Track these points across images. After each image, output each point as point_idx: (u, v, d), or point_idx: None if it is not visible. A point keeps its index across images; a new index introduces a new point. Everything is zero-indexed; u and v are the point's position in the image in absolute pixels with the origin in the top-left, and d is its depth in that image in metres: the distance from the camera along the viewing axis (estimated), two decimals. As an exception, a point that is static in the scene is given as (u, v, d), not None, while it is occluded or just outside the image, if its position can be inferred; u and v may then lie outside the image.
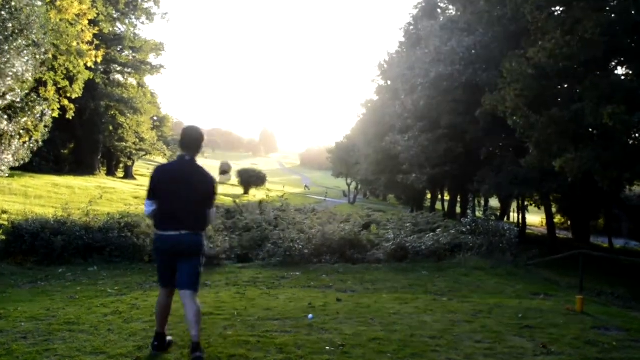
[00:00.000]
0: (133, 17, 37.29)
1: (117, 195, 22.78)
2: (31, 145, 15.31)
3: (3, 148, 13.54)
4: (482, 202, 36.45)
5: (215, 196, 4.37)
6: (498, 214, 33.32)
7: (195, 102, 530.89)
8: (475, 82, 20.97)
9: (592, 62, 13.43)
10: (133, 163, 43.24)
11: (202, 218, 4.27)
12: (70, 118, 21.12)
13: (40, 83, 17.90)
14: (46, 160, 29.13)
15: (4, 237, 10.11)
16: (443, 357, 4.28)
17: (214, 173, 4.61)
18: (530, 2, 13.88)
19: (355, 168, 51.84)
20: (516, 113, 14.69)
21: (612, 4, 12.92)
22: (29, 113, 14.80)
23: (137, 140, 38.28)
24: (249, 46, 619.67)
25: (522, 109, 14.50)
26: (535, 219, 47.25)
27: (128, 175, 42.19)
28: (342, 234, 11.29)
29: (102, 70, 32.84)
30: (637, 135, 13.41)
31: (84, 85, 21.82)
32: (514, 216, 42.35)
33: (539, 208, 35.51)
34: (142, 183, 37.93)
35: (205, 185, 4.27)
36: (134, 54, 37.89)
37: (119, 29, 36.55)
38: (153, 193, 4.23)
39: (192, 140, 4.29)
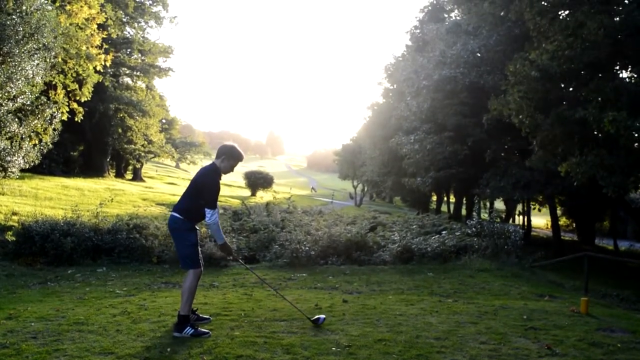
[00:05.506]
0: (142, 20, 37.48)
1: (125, 197, 22.88)
2: (41, 147, 15.46)
3: (14, 150, 13.68)
4: (488, 205, 36.38)
5: (204, 190, 4.90)
6: (503, 216, 33.29)
7: (203, 105, 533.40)
8: (479, 85, 20.95)
9: (595, 65, 13.36)
10: (142, 165, 43.32)
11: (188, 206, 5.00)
12: (80, 121, 21.23)
13: (50, 86, 18.04)
14: (56, 162, 29.23)
15: (14, 239, 10.24)
16: (448, 359, 4.31)
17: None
18: (531, 8, 13.86)
19: (361, 170, 51.84)
20: (521, 112, 14.65)
21: (616, 7, 12.87)
22: (39, 116, 14.95)
23: (146, 142, 38.28)
24: (256, 49, 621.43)
25: (526, 110, 14.47)
26: (541, 221, 47.01)
27: (137, 177, 42.29)
28: (349, 236, 11.33)
29: (111, 73, 32.96)
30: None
31: (93, 89, 21.98)
32: (519, 218, 42.19)
33: (540, 210, 35.38)
34: (150, 185, 38.08)
35: (195, 178, 5.06)
36: (142, 57, 38.00)
37: (128, 32, 36.73)
38: None
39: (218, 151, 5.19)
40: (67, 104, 19.04)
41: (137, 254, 10.41)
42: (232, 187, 48.16)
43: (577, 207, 30.39)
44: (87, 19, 18.44)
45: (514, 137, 20.30)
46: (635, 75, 14.14)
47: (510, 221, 36.84)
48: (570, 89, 15.30)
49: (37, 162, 15.19)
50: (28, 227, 10.09)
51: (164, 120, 47.99)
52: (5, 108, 12.84)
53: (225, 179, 5.14)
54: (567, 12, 14.44)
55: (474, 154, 23.70)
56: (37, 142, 15.50)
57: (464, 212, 33.21)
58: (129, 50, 36.54)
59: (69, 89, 19.50)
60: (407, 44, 39.30)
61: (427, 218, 20.70)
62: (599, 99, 12.59)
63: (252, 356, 4.18)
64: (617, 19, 12.36)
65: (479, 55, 21.67)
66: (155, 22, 38.31)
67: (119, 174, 40.52)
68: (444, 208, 41.49)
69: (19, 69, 12.54)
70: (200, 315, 5.34)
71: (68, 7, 17.30)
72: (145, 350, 4.30)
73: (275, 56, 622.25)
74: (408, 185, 31.58)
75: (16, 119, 13.78)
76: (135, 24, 37.10)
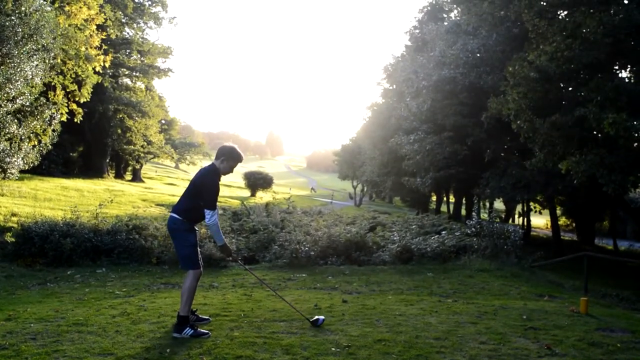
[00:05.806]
0: (141, 21, 37.48)
1: (125, 198, 22.89)
2: (40, 148, 15.46)
3: (13, 151, 13.67)
4: (487, 205, 36.38)
5: (203, 190, 4.87)
6: (503, 216, 33.29)
7: (202, 106, 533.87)
8: (479, 85, 20.94)
9: (595, 65, 13.36)
10: (141, 166, 43.34)
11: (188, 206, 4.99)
12: (79, 122, 21.23)
13: (49, 87, 18.05)
14: (55, 163, 29.22)
15: (13, 240, 10.24)
16: (448, 359, 4.31)
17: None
18: (530, 9, 13.85)
19: (361, 170, 51.85)
20: (520, 116, 14.63)
21: (615, 7, 12.87)
22: (38, 117, 14.93)
23: (145, 143, 38.32)
24: (256, 50, 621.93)
25: (525, 112, 14.45)
26: (540, 221, 47.02)
27: (136, 178, 42.30)
28: (348, 236, 11.33)
29: (110, 74, 32.93)
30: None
31: (92, 89, 21.99)
32: (519, 219, 42.19)
33: (541, 213, 35.31)
34: (150, 186, 38.07)
35: (194, 179, 5.02)
36: (142, 58, 38.02)
37: (127, 33, 36.72)
38: None
39: (217, 151, 5.12)
40: (66, 104, 19.03)
41: (137, 255, 10.42)
42: (231, 188, 48.18)
43: (576, 207, 30.34)
44: (86, 20, 18.44)
45: (514, 137, 20.30)
46: (634, 75, 14.14)
47: (510, 221, 36.87)
48: (570, 89, 15.30)
49: (36, 163, 15.19)
50: (27, 228, 10.09)
51: (163, 121, 48.04)
52: (5, 109, 12.83)
53: (224, 179, 5.13)
54: (565, 12, 14.44)
55: (474, 154, 23.69)
56: (36, 143, 15.49)
57: (463, 212, 33.23)
58: (128, 51, 36.55)
59: (68, 90, 19.51)
60: (406, 44, 39.30)
61: (427, 218, 20.70)
62: (599, 97, 12.59)
63: (252, 357, 4.17)
64: (617, 18, 12.34)
65: (478, 55, 21.66)
66: (154, 23, 38.33)
67: (119, 175, 40.54)
68: (443, 208, 41.48)
69: (18, 70, 12.53)
70: (200, 315, 5.34)
71: (67, 8, 17.30)
72: (144, 351, 4.29)
73: (275, 56, 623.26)
74: (408, 186, 31.57)
75: (15, 120, 13.77)
76: (135, 25, 37.11)
